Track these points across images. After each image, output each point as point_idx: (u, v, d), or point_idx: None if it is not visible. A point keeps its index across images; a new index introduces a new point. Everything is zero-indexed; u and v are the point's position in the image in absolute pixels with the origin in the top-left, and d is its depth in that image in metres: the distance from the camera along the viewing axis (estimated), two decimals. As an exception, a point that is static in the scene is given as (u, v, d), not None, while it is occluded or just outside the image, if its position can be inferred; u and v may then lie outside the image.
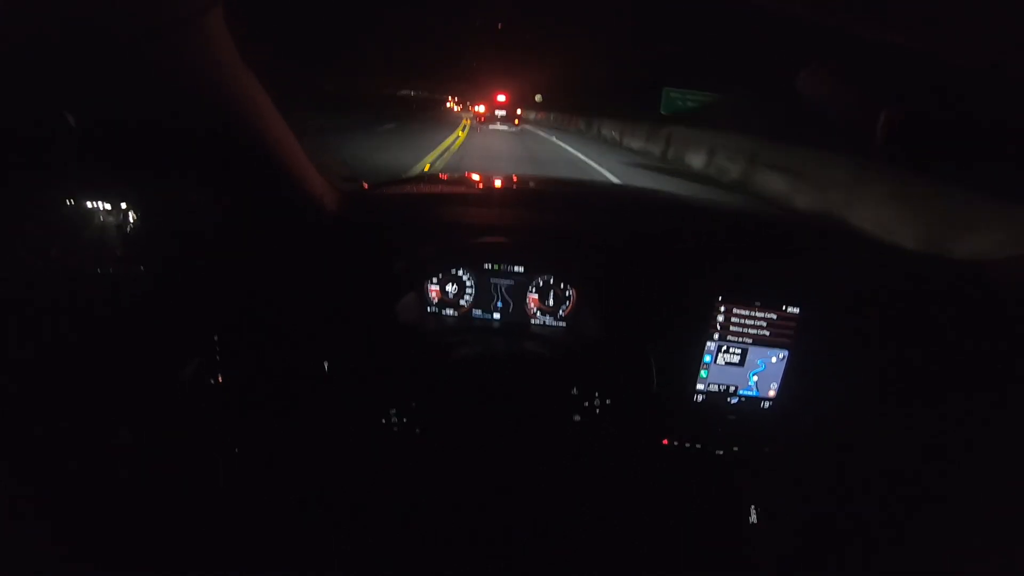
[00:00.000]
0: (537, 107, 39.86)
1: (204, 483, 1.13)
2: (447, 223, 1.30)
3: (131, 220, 1.16)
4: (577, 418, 1.22)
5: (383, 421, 1.19)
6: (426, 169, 9.55)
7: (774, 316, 1.21)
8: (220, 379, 1.12)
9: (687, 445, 1.27)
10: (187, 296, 1.14)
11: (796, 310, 1.20)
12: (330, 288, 1.18)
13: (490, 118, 25.48)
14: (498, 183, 1.68)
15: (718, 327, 1.22)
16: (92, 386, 1.08)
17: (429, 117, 29.39)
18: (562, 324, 1.38)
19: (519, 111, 26.77)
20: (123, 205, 1.15)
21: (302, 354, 1.19)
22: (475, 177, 1.70)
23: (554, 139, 19.42)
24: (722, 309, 1.21)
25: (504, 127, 24.34)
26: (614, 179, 9.68)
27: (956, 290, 1.18)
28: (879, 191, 5.81)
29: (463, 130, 20.43)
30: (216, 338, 1.12)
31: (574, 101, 26.26)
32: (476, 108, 28.37)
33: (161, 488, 1.10)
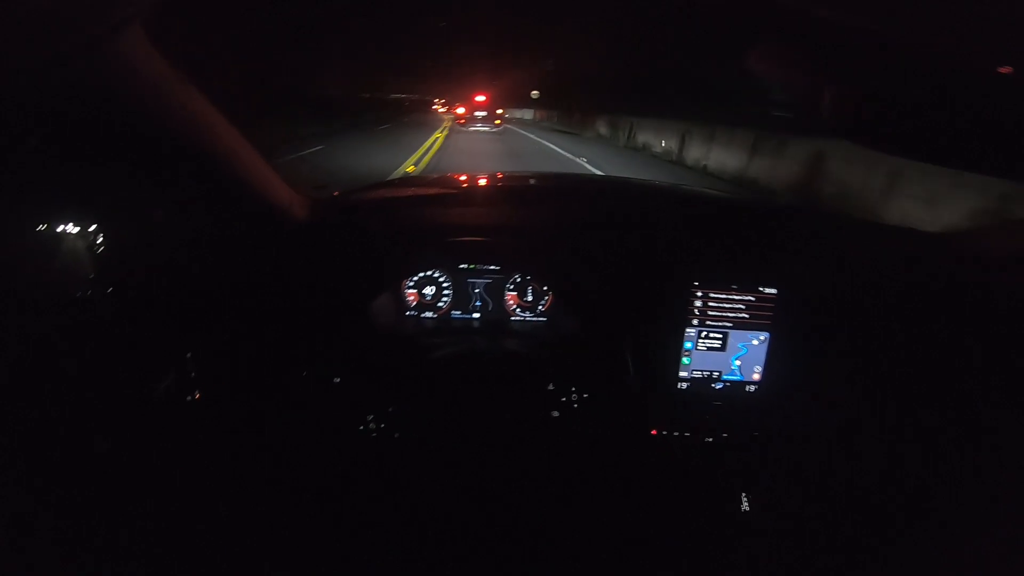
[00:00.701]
0: (535, 105, 35.09)
1: (183, 497, 1.11)
2: (419, 225, 1.29)
3: (99, 241, 1.15)
4: (556, 414, 1.21)
5: (360, 428, 1.18)
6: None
7: (752, 298, 1.21)
8: (197, 395, 1.10)
9: (675, 433, 1.27)
10: (158, 314, 1.12)
11: (773, 291, 1.20)
12: (303, 297, 1.17)
13: (471, 119, 24.57)
14: (469, 182, 1.67)
15: (697, 312, 1.22)
16: (64, 407, 1.06)
17: (413, 121, 28.75)
18: (542, 319, 1.38)
19: (500, 111, 25.68)
20: (91, 227, 1.13)
21: (277, 366, 1.17)
22: (448, 177, 1.69)
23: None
24: (699, 294, 1.21)
25: (485, 128, 23.51)
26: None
27: (931, 265, 1.18)
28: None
29: (442, 131, 20.25)
30: (189, 355, 1.10)
31: (584, 97, 22.09)
32: (456, 110, 27.62)
33: (138, 501, 1.08)
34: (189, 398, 1.09)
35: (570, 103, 25.30)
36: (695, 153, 12.42)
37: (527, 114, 37.70)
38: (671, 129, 13.73)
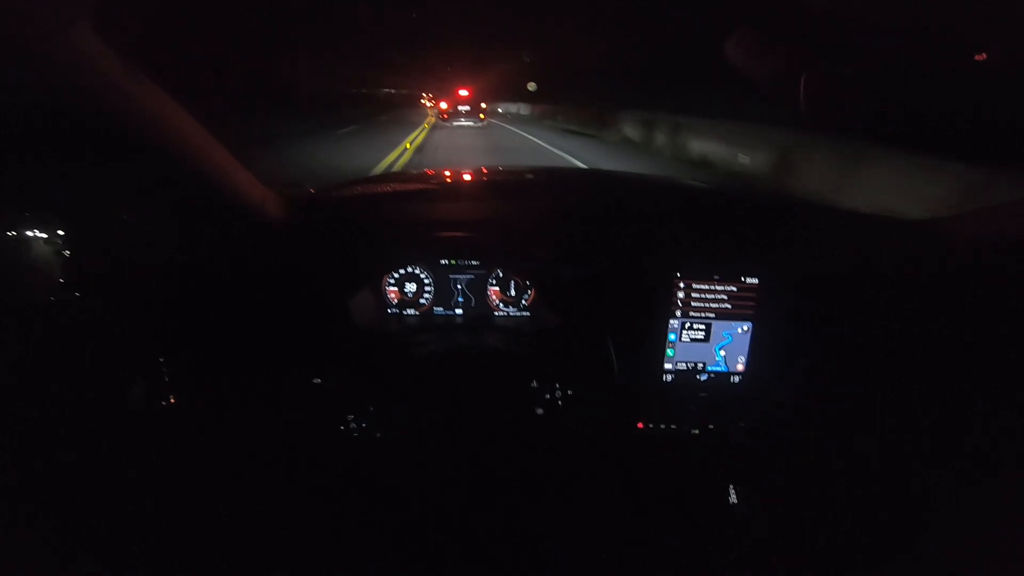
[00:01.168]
0: (533, 99, 28.19)
1: (159, 504, 1.08)
2: (397, 221, 1.27)
3: (64, 245, 1.11)
4: (540, 411, 1.20)
5: (341, 428, 1.16)
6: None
7: (734, 288, 1.20)
8: (172, 400, 1.08)
9: (662, 426, 1.26)
10: (129, 319, 1.09)
11: (755, 281, 1.19)
12: (279, 297, 1.14)
13: (454, 114, 23.52)
14: (450, 177, 1.65)
15: (679, 303, 1.21)
16: (34, 413, 1.03)
17: (391, 120, 25.24)
18: (526, 314, 1.36)
19: (483, 105, 24.51)
20: (58, 232, 1.10)
21: (255, 368, 1.15)
22: (426, 173, 1.67)
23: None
24: (681, 285, 1.20)
25: (469, 122, 22.70)
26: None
27: (911, 252, 1.19)
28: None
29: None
30: (162, 360, 1.07)
31: (596, 90, 17.93)
32: (440, 104, 25.78)
33: (111, 509, 1.06)
34: (164, 404, 1.07)
35: (578, 96, 19.83)
36: (815, 179, 6.79)
37: (523, 109, 31.33)
38: (745, 136, 8.71)
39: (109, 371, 1.07)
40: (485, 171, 1.72)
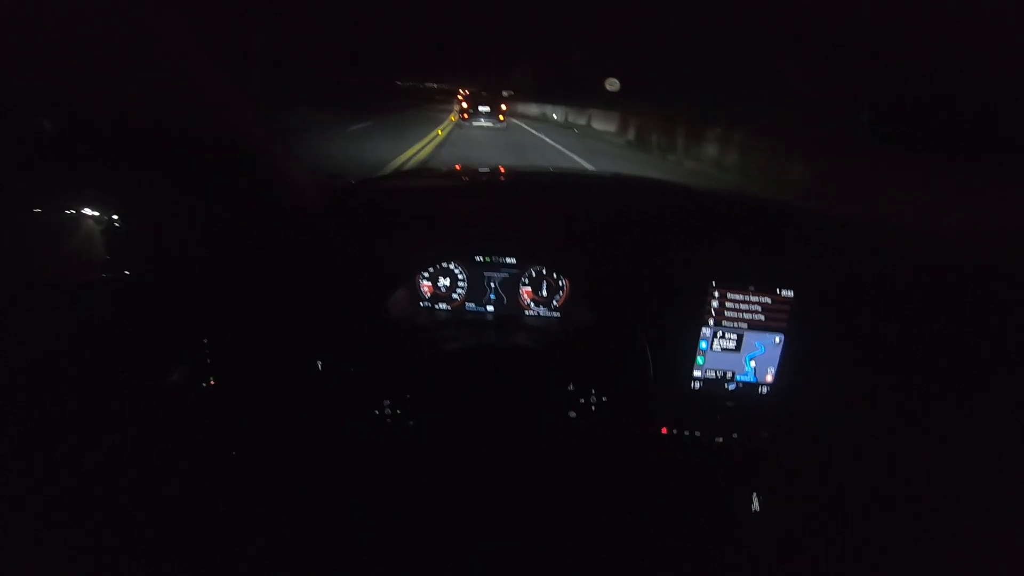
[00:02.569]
0: (588, 104, 20.21)
1: (199, 484, 1.11)
2: (437, 216, 1.28)
3: (116, 226, 1.14)
4: (573, 415, 1.21)
5: (376, 413, 1.18)
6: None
7: (768, 300, 1.21)
8: (212, 382, 1.10)
9: (686, 433, 1.27)
10: (175, 300, 1.12)
11: (790, 293, 1.20)
12: (320, 284, 1.17)
13: (474, 114, 22.27)
14: (487, 175, 1.66)
15: (713, 312, 1.22)
16: (82, 394, 1.06)
17: (415, 117, 23.39)
18: (556, 315, 1.38)
19: (504, 107, 22.58)
20: (107, 211, 1.13)
21: (294, 351, 1.17)
22: (464, 169, 1.68)
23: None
24: (716, 294, 1.21)
25: (488, 123, 21.61)
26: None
27: (950, 270, 1.18)
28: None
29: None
30: (206, 341, 1.10)
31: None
32: (461, 103, 23.97)
33: (157, 490, 1.09)
34: (204, 384, 1.09)
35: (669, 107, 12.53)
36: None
37: (568, 116, 22.71)
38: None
39: (153, 350, 1.10)
40: (521, 171, 1.74)
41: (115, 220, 1.12)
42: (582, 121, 20.77)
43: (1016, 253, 1.13)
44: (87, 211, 1.12)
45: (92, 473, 1.06)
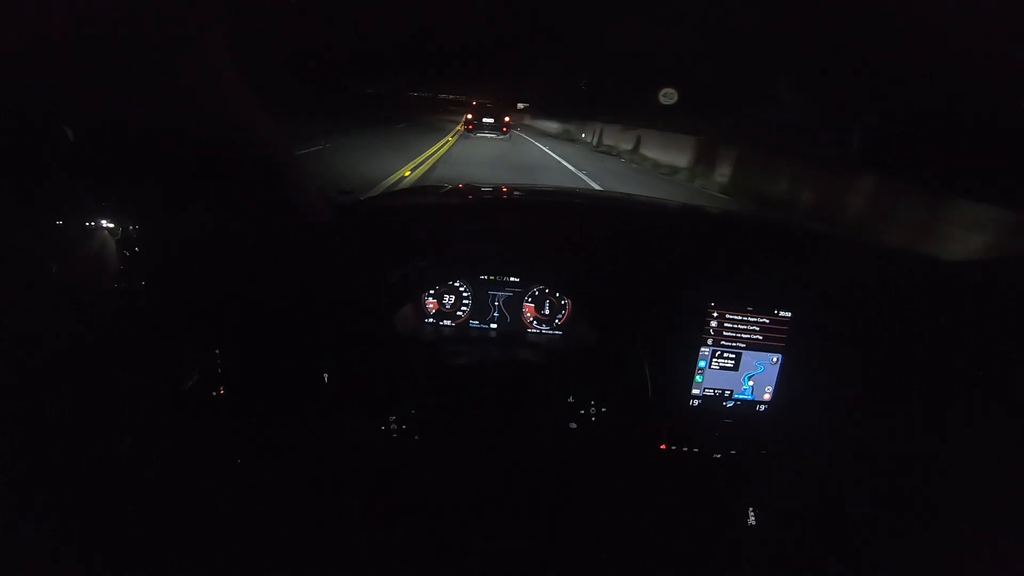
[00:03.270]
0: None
1: (207, 492, 1.13)
2: (443, 235, 1.31)
3: (131, 235, 1.17)
4: (573, 426, 1.23)
5: (383, 428, 1.20)
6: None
7: (766, 320, 1.23)
8: (221, 391, 1.13)
9: (685, 449, 1.29)
10: (187, 310, 1.15)
11: (788, 314, 1.22)
12: (328, 298, 1.19)
13: (478, 126, 23.38)
14: (491, 193, 1.70)
15: (711, 332, 1.24)
16: (94, 399, 1.09)
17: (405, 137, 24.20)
18: (558, 333, 1.40)
19: (507, 119, 23.81)
20: (124, 222, 1.16)
21: (302, 365, 1.20)
22: (469, 187, 1.72)
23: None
24: (715, 315, 1.23)
25: (491, 135, 22.21)
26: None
27: (944, 290, 1.21)
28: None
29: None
30: (217, 351, 1.13)
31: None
32: (466, 115, 25.12)
33: (165, 496, 1.11)
34: (214, 393, 1.12)
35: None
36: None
37: (604, 136, 17.08)
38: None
39: (165, 359, 1.12)
40: (525, 190, 1.77)
41: (131, 230, 1.15)
42: (626, 145, 14.55)
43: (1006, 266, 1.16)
44: (104, 222, 1.15)
45: (98, 476, 1.08)
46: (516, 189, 1.72)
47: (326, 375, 1.20)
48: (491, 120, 23.46)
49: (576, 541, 1.25)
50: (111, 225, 1.16)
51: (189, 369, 1.12)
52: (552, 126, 26.49)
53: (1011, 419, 1.12)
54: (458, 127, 24.85)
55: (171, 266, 1.16)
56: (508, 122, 24.13)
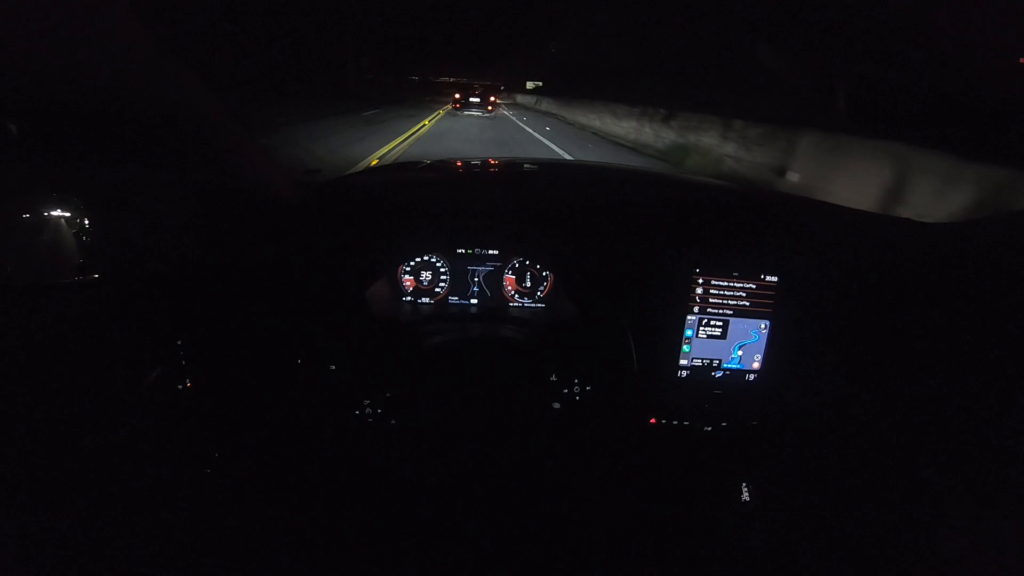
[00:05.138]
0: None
1: (179, 486, 1.09)
2: (415, 210, 1.26)
3: (87, 226, 1.12)
4: (556, 405, 1.20)
5: (356, 413, 1.16)
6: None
7: (753, 286, 1.19)
8: (188, 384, 1.08)
9: (675, 422, 1.26)
10: (147, 301, 1.10)
11: (775, 279, 1.18)
12: (296, 282, 1.15)
13: (465, 104, 27.12)
14: (466, 166, 1.64)
15: (697, 299, 1.20)
16: (54, 396, 1.04)
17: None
18: (541, 306, 1.36)
19: (493, 99, 28.20)
20: (78, 212, 1.10)
21: (271, 351, 1.15)
22: (444, 161, 1.66)
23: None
24: (700, 281, 1.19)
25: (477, 112, 25.42)
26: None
27: (931, 255, 1.17)
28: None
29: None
30: (179, 342, 1.08)
31: None
32: (454, 95, 29.56)
33: (132, 493, 1.07)
34: (180, 387, 1.07)
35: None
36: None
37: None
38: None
39: (126, 354, 1.08)
40: (502, 162, 1.71)
41: (86, 220, 1.10)
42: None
43: (999, 240, 1.12)
44: (56, 212, 1.10)
45: (68, 475, 1.05)
46: (492, 161, 1.67)
47: (299, 360, 1.15)
48: (477, 100, 27.57)
49: (566, 522, 1.22)
50: (66, 215, 1.11)
51: (152, 362, 1.08)
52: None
53: (1002, 387, 1.09)
54: (448, 106, 28.50)
55: (130, 255, 1.11)
56: (493, 101, 28.55)
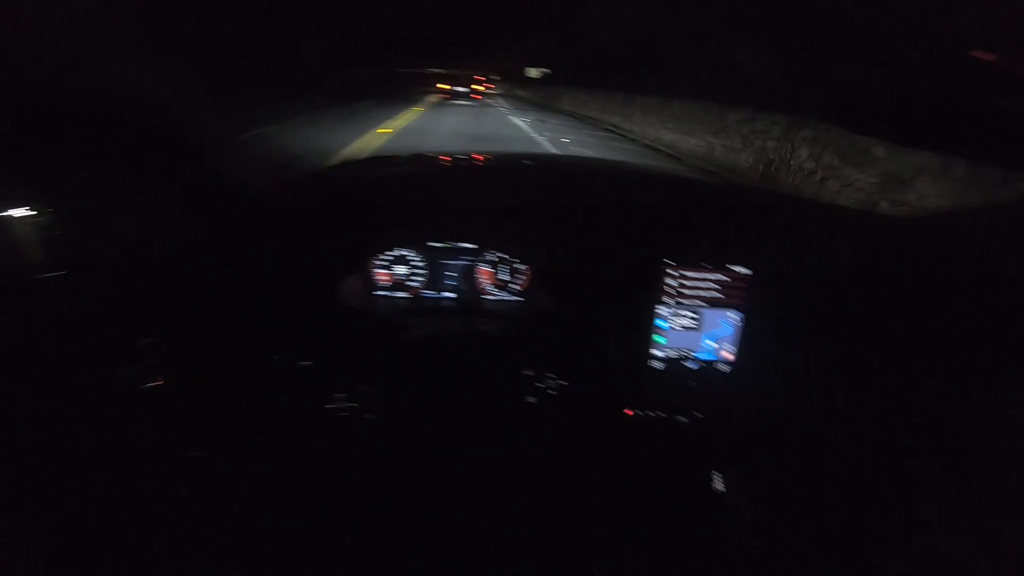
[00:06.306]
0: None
1: (155, 485, 1.08)
2: (390, 203, 1.25)
3: (52, 222, 1.10)
4: (531, 400, 1.20)
5: (329, 408, 1.16)
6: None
7: (725, 277, 1.19)
8: (159, 383, 1.07)
9: (650, 414, 1.26)
10: (116, 299, 1.08)
11: (747, 271, 1.19)
12: (269, 277, 1.14)
13: (453, 94, 29.17)
14: (440, 160, 1.63)
15: (671, 291, 1.21)
16: (24, 393, 1.03)
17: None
18: (517, 299, 1.36)
19: (477, 87, 30.59)
20: (42, 207, 1.08)
21: (244, 350, 1.14)
22: (421, 156, 1.64)
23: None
24: (673, 273, 1.19)
25: (465, 101, 26.53)
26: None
27: (896, 246, 1.18)
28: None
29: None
30: (148, 341, 1.07)
31: None
32: (442, 85, 31.71)
33: (107, 491, 1.06)
34: (150, 386, 1.06)
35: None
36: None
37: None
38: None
39: (95, 351, 1.06)
40: (477, 156, 1.70)
41: (50, 216, 1.08)
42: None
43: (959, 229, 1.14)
44: (18, 211, 1.08)
45: (39, 474, 1.04)
46: (466, 155, 1.66)
47: (275, 356, 1.15)
48: (465, 89, 29.40)
49: (541, 519, 1.22)
50: (32, 213, 1.09)
51: (122, 360, 1.06)
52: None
53: (974, 376, 1.11)
54: (436, 96, 29.14)
55: (98, 254, 1.10)
56: (481, 90, 30.71)
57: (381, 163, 1.70)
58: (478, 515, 1.20)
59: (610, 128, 14.55)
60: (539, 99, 26.46)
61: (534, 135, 12.57)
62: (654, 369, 1.26)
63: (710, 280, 1.20)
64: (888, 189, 4.72)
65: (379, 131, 11.79)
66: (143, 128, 0.87)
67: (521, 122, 15.96)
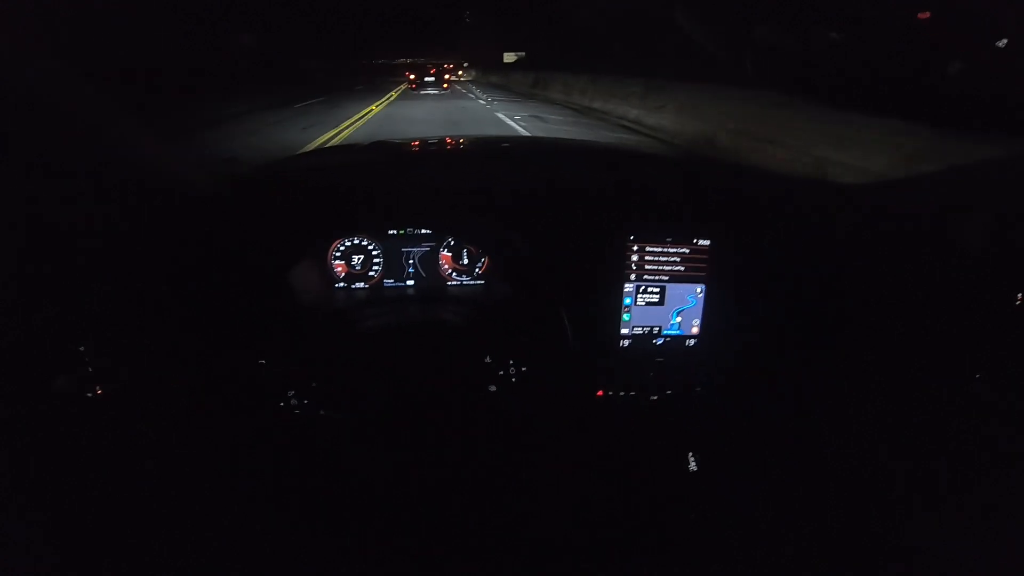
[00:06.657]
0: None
1: (89, 499, 1.03)
2: (340, 191, 1.20)
3: None
4: (492, 388, 1.17)
5: (281, 405, 1.11)
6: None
7: (687, 250, 1.18)
8: (98, 391, 1.01)
9: (621, 394, 1.25)
10: (46, 305, 1.01)
11: (707, 242, 1.17)
12: (213, 274, 1.08)
13: (421, 84, 28.05)
14: (395, 147, 1.58)
15: (633, 267, 1.18)
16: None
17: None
18: (480, 283, 1.33)
19: (447, 76, 30.00)
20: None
21: (191, 351, 1.09)
22: (376, 143, 1.59)
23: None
24: (635, 248, 1.17)
25: (433, 91, 26.59)
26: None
27: (857, 216, 1.18)
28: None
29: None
30: (82, 348, 1.00)
31: None
32: (410, 75, 30.42)
33: (56, 503, 1.01)
34: (89, 395, 1.00)
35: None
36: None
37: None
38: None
39: (30, 362, 1.00)
40: (433, 141, 1.65)
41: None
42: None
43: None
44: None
45: (39, 474, 0.98)
46: (421, 140, 1.61)
47: (216, 355, 1.09)
48: (432, 79, 28.44)
49: (512, 506, 1.20)
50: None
51: (59, 369, 1.00)
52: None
53: (931, 346, 1.11)
54: (403, 85, 29.73)
55: (28, 256, 1.02)
56: (448, 79, 30.12)
57: (334, 152, 1.64)
58: (449, 508, 1.17)
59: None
60: (508, 84, 28.35)
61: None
62: (622, 347, 1.24)
63: (672, 254, 1.18)
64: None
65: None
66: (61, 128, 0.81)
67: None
